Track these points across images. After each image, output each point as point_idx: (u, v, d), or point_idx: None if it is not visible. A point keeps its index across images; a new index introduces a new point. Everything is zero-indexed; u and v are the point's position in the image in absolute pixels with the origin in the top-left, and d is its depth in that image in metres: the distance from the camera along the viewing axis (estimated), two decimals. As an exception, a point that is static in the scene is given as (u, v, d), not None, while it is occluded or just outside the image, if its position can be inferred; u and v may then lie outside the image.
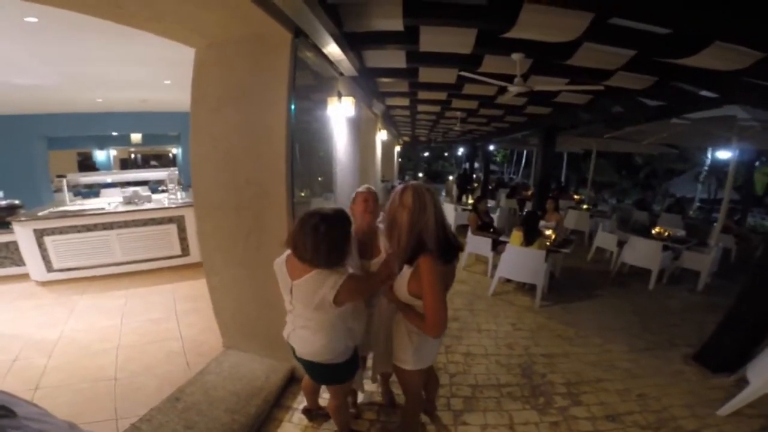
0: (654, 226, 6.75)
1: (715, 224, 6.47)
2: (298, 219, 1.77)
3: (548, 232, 5.23)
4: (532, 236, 4.73)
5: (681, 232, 6.56)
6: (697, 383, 3.17)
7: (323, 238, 1.67)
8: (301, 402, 2.67)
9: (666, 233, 6.13)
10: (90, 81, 5.44)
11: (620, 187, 20.60)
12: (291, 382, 2.91)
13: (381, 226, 2.17)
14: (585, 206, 9.59)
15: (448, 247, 1.72)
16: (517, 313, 4.45)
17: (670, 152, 13.21)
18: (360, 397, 2.78)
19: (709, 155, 16.99)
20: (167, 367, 3.06)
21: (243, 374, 2.84)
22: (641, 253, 5.67)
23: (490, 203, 9.59)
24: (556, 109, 6.46)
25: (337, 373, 2.02)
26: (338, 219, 1.76)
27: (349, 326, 1.95)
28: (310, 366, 1.99)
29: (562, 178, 21.18)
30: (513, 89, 3.91)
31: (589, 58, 3.43)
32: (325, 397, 2.69)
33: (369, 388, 2.91)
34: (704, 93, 4.13)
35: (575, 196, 11.91)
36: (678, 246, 5.82)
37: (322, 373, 2.04)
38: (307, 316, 1.85)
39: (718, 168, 16.33)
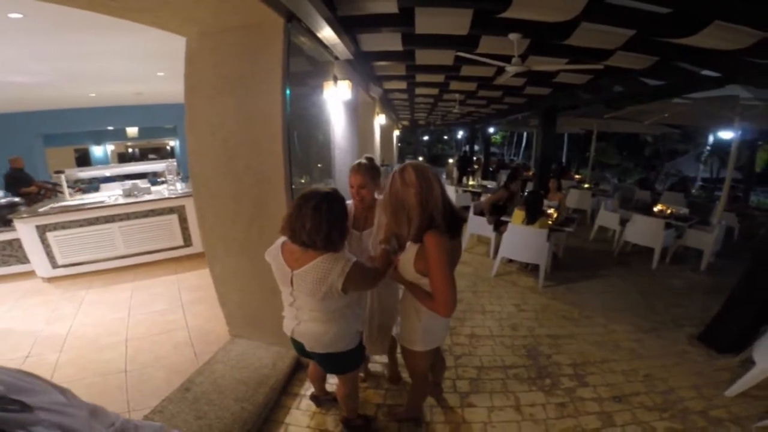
0: (656, 204, 6.72)
1: (717, 202, 6.45)
2: (294, 203, 1.71)
3: (550, 211, 5.22)
4: (534, 215, 4.70)
5: (684, 210, 6.53)
6: (702, 364, 3.17)
7: (325, 217, 1.63)
8: (309, 388, 2.70)
9: (668, 211, 6.10)
10: (81, 75, 5.40)
11: (623, 167, 20.46)
12: (297, 368, 2.94)
13: (379, 197, 2.18)
14: (587, 185, 9.55)
15: (454, 221, 1.71)
16: (520, 294, 4.47)
17: (673, 132, 13.10)
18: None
19: (712, 135, 16.81)
20: (175, 358, 3.08)
21: (250, 362, 2.87)
22: (644, 231, 5.66)
23: (491, 184, 9.54)
24: (556, 89, 6.38)
25: (350, 359, 2.00)
26: (337, 197, 1.73)
27: (356, 311, 1.94)
28: (323, 358, 1.95)
29: (564, 159, 21.06)
30: (511, 69, 3.86)
31: (587, 38, 3.37)
32: (332, 382, 2.72)
33: (375, 369, 2.96)
34: (705, 72, 4.07)
35: (576, 176, 11.87)
36: (680, 224, 5.80)
37: (336, 363, 2.01)
38: (312, 306, 1.79)
39: (721, 148, 16.18)
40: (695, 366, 3.14)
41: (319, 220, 1.62)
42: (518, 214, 4.84)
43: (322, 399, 2.59)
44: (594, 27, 3.13)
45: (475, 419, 2.51)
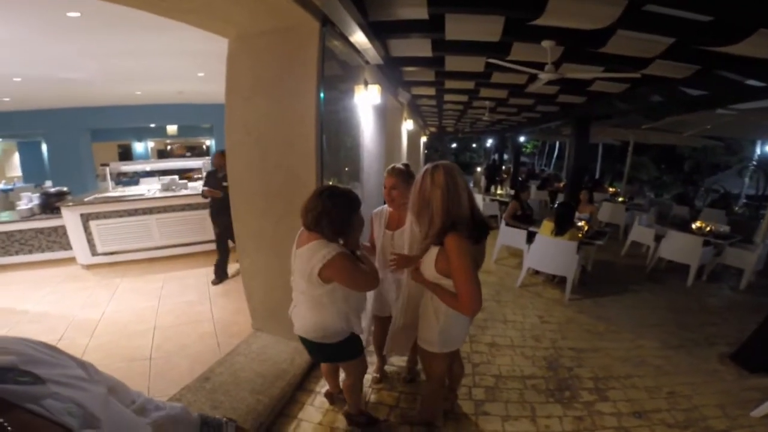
0: (695, 221, 6.42)
1: (762, 221, 6.11)
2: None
3: (581, 223, 5.08)
4: (563, 226, 4.59)
5: (724, 228, 6.20)
6: (732, 383, 3.03)
7: (321, 201, 1.78)
8: (324, 386, 2.74)
9: (708, 228, 5.82)
10: (129, 73, 5.72)
11: (660, 181, 19.55)
12: (315, 365, 2.97)
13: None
14: (620, 199, 9.23)
15: (478, 227, 1.72)
16: (545, 306, 4.37)
17: (716, 145, 12.46)
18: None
19: (758, 149, 15.78)
20: (199, 348, 3.20)
21: (269, 356, 2.94)
22: (680, 248, 5.42)
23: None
24: (591, 97, 6.19)
25: (332, 352, 2.07)
26: (344, 193, 1.86)
27: (341, 309, 1.94)
28: (304, 342, 2.06)
29: (597, 171, 20.38)
30: (544, 77, 3.79)
31: (624, 46, 3.28)
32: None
33: (392, 371, 2.96)
34: (751, 82, 3.87)
35: (610, 189, 11.49)
36: (720, 241, 5.52)
37: (315, 350, 2.10)
38: (301, 289, 1.92)
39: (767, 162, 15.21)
40: (723, 385, 3.01)
41: (315, 203, 1.79)
42: (547, 225, 4.74)
43: (335, 396, 2.62)
44: (631, 35, 3.05)
45: (489, 428, 2.48)
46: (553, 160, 26.77)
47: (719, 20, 2.66)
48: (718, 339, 3.71)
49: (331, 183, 3.27)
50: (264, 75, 2.82)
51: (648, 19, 2.73)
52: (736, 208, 10.77)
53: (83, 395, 0.66)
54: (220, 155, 4.38)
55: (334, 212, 1.79)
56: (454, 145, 31.17)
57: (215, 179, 4.53)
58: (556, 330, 3.81)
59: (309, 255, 1.80)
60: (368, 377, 2.86)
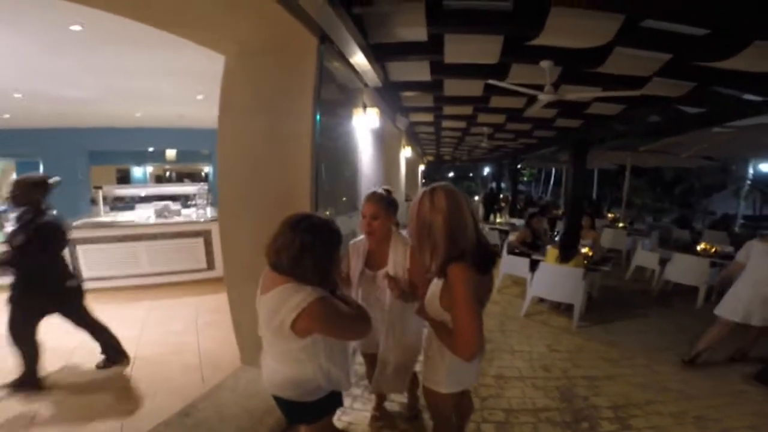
0: (697, 243, 6.37)
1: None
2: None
3: (585, 250, 4.97)
4: (568, 253, 4.51)
5: (728, 248, 6.15)
6: (762, 403, 2.89)
7: (300, 236, 1.42)
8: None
9: (713, 249, 5.74)
10: (129, 92, 5.63)
11: (658, 206, 19.62)
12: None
13: (401, 233, 2.07)
14: (621, 224, 9.17)
15: (485, 255, 1.53)
16: (552, 334, 4.19)
17: (709, 165, 12.54)
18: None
19: (751, 168, 15.79)
20: (181, 381, 2.97)
21: (258, 391, 2.70)
22: (687, 270, 5.35)
23: (519, 222, 9.26)
24: (588, 121, 6.22)
25: (305, 413, 1.68)
26: (324, 225, 1.51)
27: (323, 365, 1.54)
28: (275, 400, 1.67)
29: (594, 197, 20.47)
30: (543, 98, 3.78)
31: (622, 64, 3.28)
32: (344, 419, 2.60)
33: (392, 408, 2.73)
34: (748, 97, 3.86)
35: (609, 215, 11.45)
36: (726, 262, 5.39)
37: (287, 410, 1.68)
38: (269, 340, 1.53)
39: (762, 181, 15.21)
40: (753, 406, 2.85)
41: (290, 239, 1.42)
42: (552, 253, 4.68)
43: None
44: (628, 52, 3.04)
45: (502, 467, 2.25)
46: (550, 187, 26.97)
47: (715, 33, 2.65)
48: (737, 359, 3.56)
49: (327, 212, 3.13)
50: (260, 92, 2.76)
51: (645, 34, 2.74)
52: (736, 229, 10.69)
53: None
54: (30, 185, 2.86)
55: (317, 249, 1.43)
56: (451, 174, 31.44)
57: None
58: (566, 359, 3.62)
59: (276, 304, 1.41)
60: (367, 415, 2.65)
